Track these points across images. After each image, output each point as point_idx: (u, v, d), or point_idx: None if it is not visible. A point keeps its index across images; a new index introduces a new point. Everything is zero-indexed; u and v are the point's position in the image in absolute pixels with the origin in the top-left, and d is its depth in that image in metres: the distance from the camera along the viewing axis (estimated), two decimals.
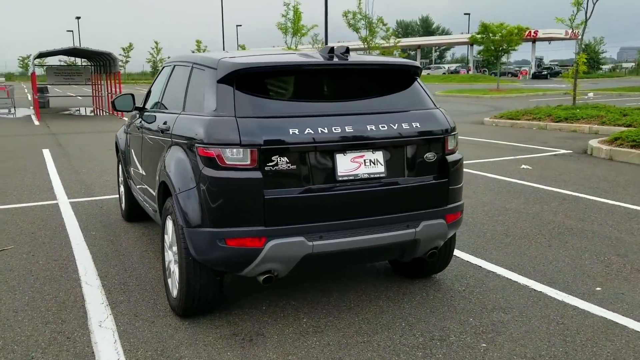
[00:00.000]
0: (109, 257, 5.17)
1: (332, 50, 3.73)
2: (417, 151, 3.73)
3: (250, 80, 3.54)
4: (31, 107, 26.91)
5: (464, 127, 16.29)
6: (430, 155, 3.78)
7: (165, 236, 4.03)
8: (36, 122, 19.95)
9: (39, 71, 30.90)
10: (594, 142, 11.25)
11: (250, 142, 3.32)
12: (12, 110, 25.12)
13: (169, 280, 3.97)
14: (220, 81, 3.54)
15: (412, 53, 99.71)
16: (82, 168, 10.10)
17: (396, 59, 4.07)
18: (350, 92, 3.81)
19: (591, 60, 56.14)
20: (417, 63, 4.00)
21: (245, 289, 4.35)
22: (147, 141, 4.80)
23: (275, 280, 3.58)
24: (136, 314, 3.96)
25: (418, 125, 3.70)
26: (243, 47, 53.55)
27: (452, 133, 3.90)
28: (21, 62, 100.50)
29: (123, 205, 6.39)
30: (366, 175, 3.57)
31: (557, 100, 23.35)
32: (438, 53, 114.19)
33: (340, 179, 3.51)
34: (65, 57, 41.97)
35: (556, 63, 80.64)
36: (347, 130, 3.49)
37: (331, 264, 3.85)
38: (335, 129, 3.46)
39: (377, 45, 26.99)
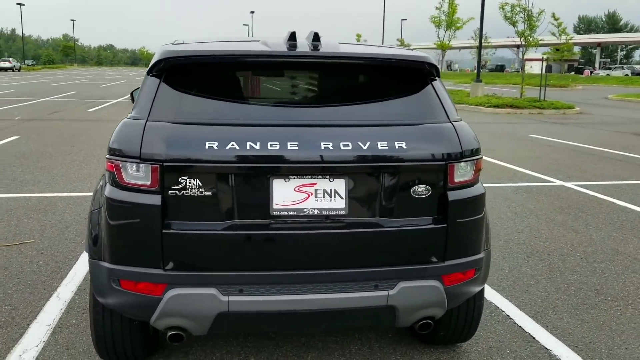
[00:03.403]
0: None
1: (293, 36, 2.75)
2: (400, 182, 2.63)
3: (181, 73, 2.71)
4: None
5: (618, 138, 13.88)
6: (421, 189, 2.65)
7: None
8: None
9: None
10: None
11: (152, 157, 2.49)
12: None
13: None
14: (149, 72, 2.77)
15: (594, 51, 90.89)
16: None
17: (401, 52, 2.94)
18: (313, 95, 2.82)
19: None
20: (432, 59, 2.87)
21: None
22: None
23: (187, 339, 2.72)
24: (69, 346, 3.35)
25: (403, 144, 2.60)
26: (402, 42, 52.43)
27: (466, 159, 2.71)
28: None
29: None
30: (316, 212, 2.57)
31: None
32: (625, 52, 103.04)
33: (277, 213, 2.55)
34: None
35: None
36: (289, 147, 2.51)
37: (265, 326, 2.87)
38: (272, 145, 2.50)
39: (536, 40, 24.38)
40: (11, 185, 7.53)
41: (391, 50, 2.96)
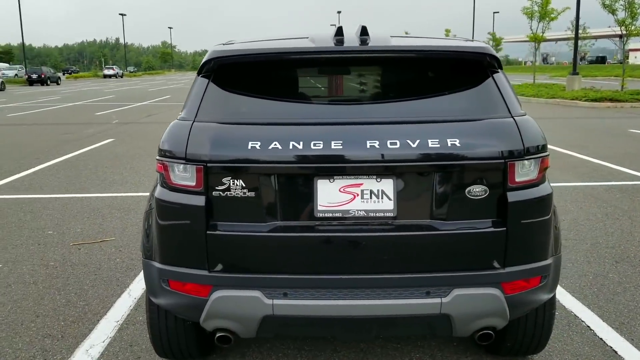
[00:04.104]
0: None
1: (340, 31, 2.65)
2: (453, 182, 2.46)
3: (229, 73, 2.69)
4: None
5: None
6: (477, 190, 2.46)
7: None
8: None
9: None
10: None
11: (196, 157, 2.48)
12: None
13: None
14: (199, 73, 2.77)
15: None
16: None
17: (458, 43, 2.74)
18: (361, 91, 2.70)
19: None
20: (492, 50, 2.67)
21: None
22: None
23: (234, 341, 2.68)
24: (132, 343, 3.43)
25: (457, 142, 2.43)
26: (493, 35, 50.65)
27: (529, 156, 2.49)
28: None
29: None
30: (362, 213, 2.45)
31: None
32: None
33: (321, 215, 2.46)
34: None
35: None
36: (333, 146, 2.41)
37: (314, 332, 2.78)
38: (315, 144, 2.41)
39: (638, 29, 22.67)
40: (101, 185, 7.93)
41: (447, 42, 2.78)
